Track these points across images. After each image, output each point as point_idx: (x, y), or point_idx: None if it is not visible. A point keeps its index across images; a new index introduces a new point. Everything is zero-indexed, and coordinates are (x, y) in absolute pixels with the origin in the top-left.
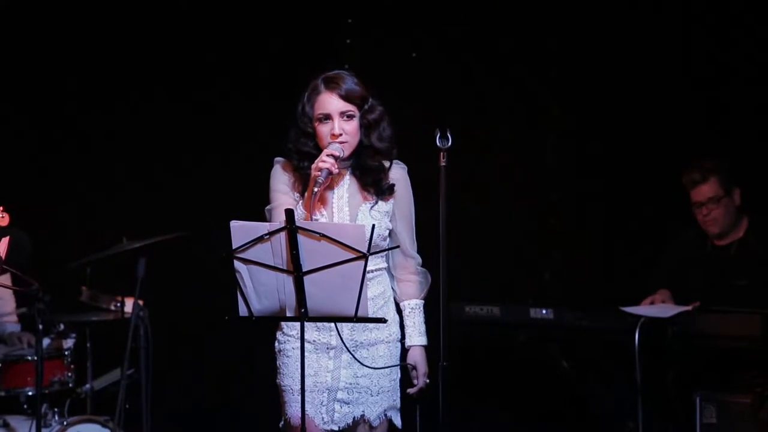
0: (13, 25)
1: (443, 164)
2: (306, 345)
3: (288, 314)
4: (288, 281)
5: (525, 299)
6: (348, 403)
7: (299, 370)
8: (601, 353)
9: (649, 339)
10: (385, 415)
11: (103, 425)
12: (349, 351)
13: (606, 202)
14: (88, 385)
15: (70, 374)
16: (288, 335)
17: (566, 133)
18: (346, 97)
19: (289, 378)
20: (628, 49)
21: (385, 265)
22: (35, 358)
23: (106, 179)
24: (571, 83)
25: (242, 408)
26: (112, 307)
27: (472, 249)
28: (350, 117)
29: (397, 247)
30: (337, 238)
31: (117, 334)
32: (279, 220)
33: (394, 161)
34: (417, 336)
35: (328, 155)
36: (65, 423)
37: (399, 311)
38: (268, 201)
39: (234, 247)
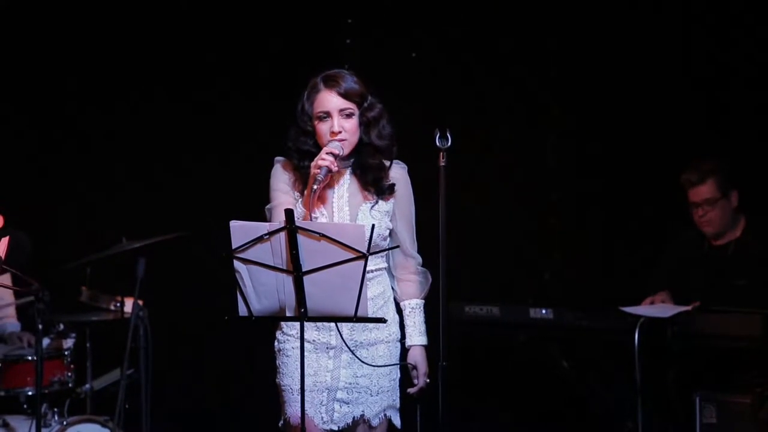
0: (13, 25)
1: (443, 164)
2: (306, 345)
3: (288, 314)
4: (288, 281)
5: (525, 299)
6: (347, 403)
7: (299, 370)
8: (601, 353)
9: (649, 339)
10: (385, 414)
11: (103, 425)
12: (350, 350)
13: (606, 202)
14: (87, 385)
15: (69, 374)
16: (288, 335)
17: (566, 133)
18: (346, 95)
19: (288, 378)
20: (628, 49)
21: (385, 265)
22: (35, 357)
23: (106, 179)
24: (571, 83)
25: (242, 408)
26: (112, 307)
27: (472, 249)
28: (350, 115)
29: (397, 247)
30: (337, 238)
31: (117, 334)
32: (279, 219)
33: (395, 161)
34: (417, 336)
35: (327, 153)
36: (65, 423)
37: (399, 311)
38: (268, 200)
39: (234, 247)
